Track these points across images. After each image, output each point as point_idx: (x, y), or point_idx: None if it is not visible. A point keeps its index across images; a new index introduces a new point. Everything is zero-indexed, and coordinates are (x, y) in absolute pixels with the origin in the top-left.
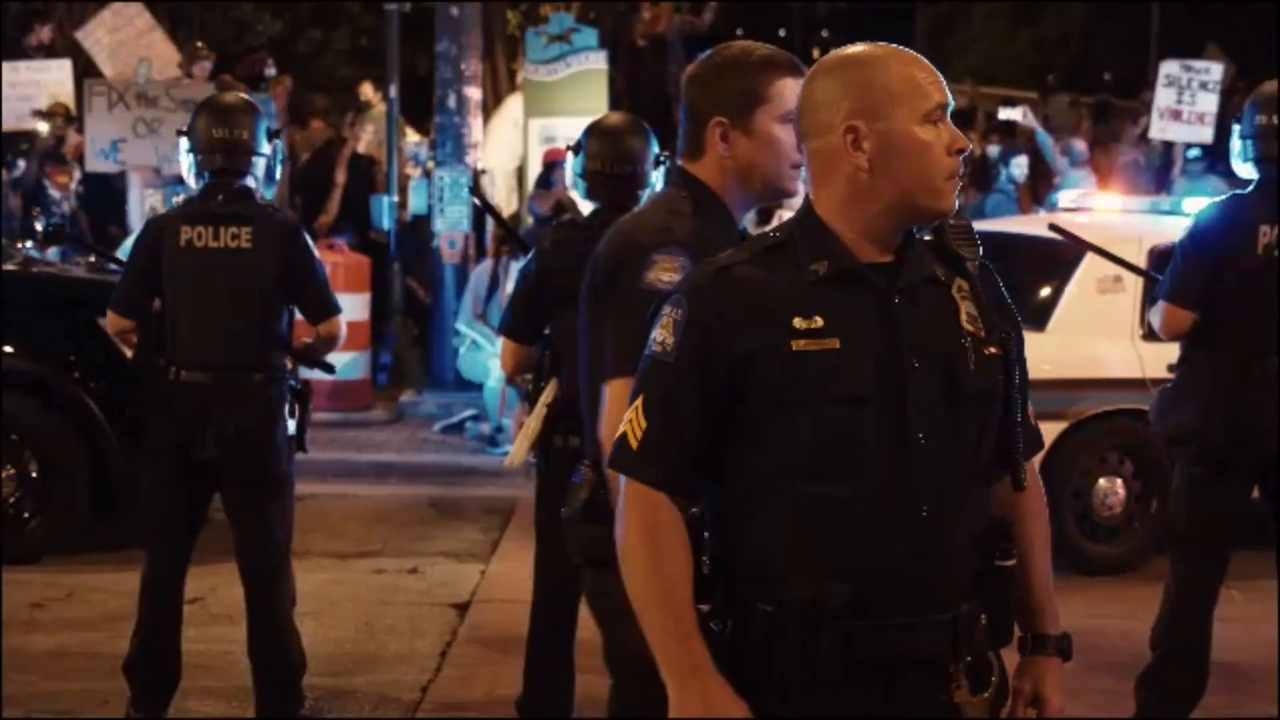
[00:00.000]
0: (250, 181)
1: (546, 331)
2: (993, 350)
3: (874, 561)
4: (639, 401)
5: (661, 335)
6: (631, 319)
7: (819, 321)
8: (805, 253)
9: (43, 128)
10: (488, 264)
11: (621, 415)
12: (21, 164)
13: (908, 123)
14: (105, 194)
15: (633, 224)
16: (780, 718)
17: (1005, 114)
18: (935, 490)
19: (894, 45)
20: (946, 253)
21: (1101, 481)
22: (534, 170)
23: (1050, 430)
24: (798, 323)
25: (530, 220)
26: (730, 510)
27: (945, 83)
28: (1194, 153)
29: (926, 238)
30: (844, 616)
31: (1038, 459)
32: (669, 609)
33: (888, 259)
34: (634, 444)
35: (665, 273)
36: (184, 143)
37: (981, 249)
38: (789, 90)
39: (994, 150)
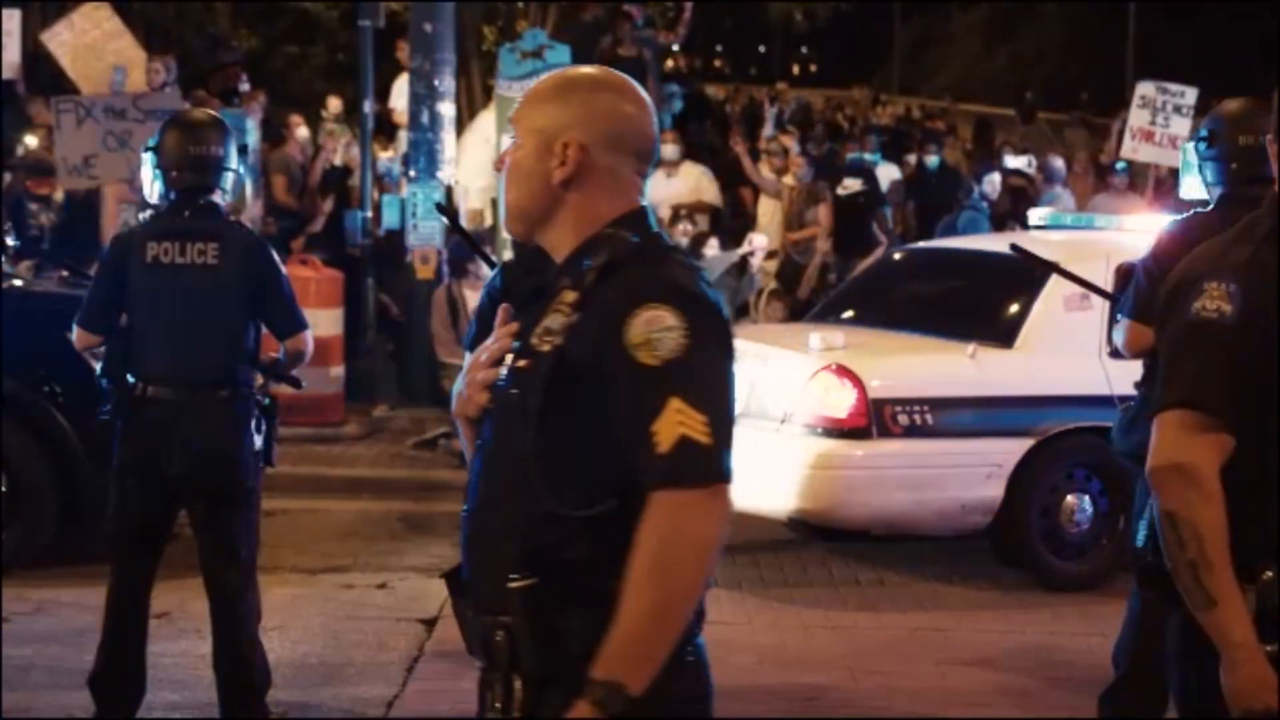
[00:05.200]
0: (218, 198)
1: None
2: (522, 364)
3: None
4: None
5: None
6: (1179, 349)
7: (513, 327)
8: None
9: (30, 140)
10: (441, 292)
11: (1170, 449)
12: (8, 177)
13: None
14: (94, 208)
15: (1201, 249)
16: None
17: (1012, 163)
18: (480, 493)
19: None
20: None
21: (1069, 498)
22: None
23: (1017, 447)
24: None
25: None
26: None
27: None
28: (1121, 166)
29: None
30: (456, 600)
31: (676, 492)
32: None
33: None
34: None
35: (1212, 300)
36: (148, 158)
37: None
38: None
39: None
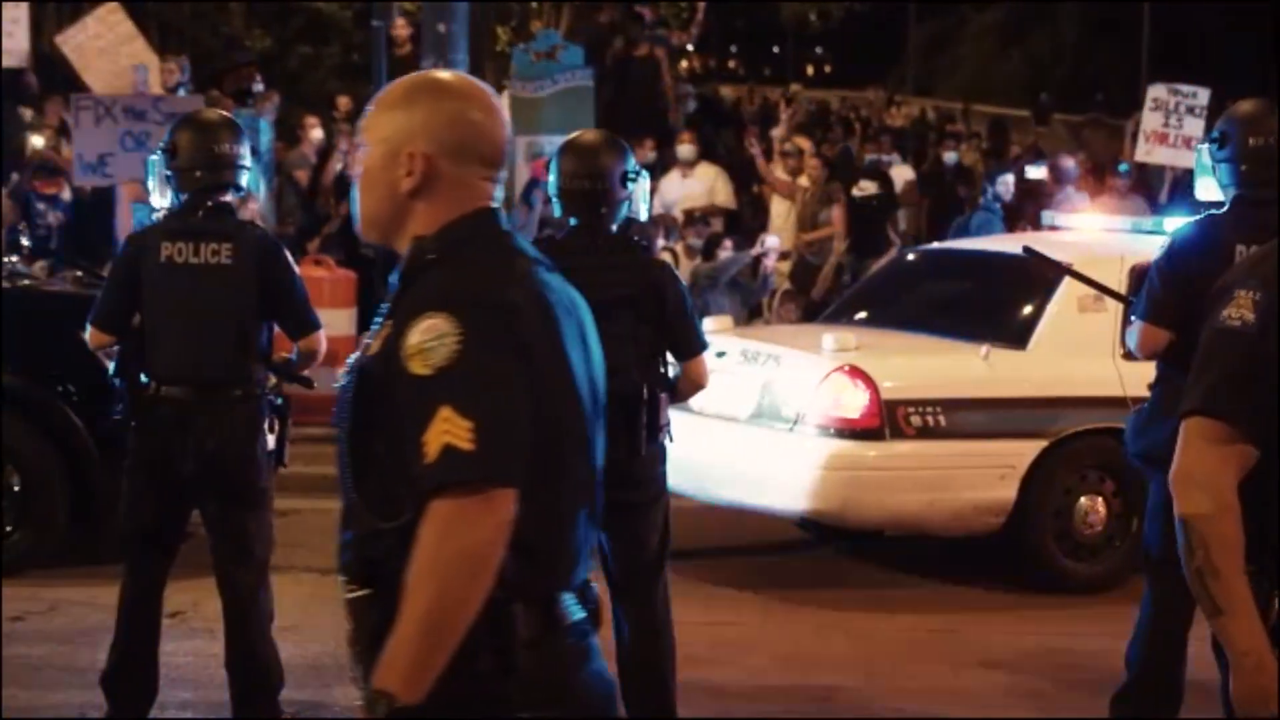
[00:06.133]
0: (230, 197)
1: None
2: (344, 381)
3: None
4: None
5: None
6: (1205, 356)
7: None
8: None
9: (37, 141)
10: None
11: (1188, 457)
12: (15, 176)
13: None
14: (106, 207)
15: (1247, 257)
16: None
17: (1032, 173)
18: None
19: None
20: None
21: (1082, 500)
22: (521, 186)
23: (1030, 448)
24: None
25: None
26: None
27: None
28: (1124, 167)
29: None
30: None
31: (444, 505)
32: None
33: None
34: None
35: (1238, 309)
36: (159, 160)
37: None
38: None
39: (950, 155)
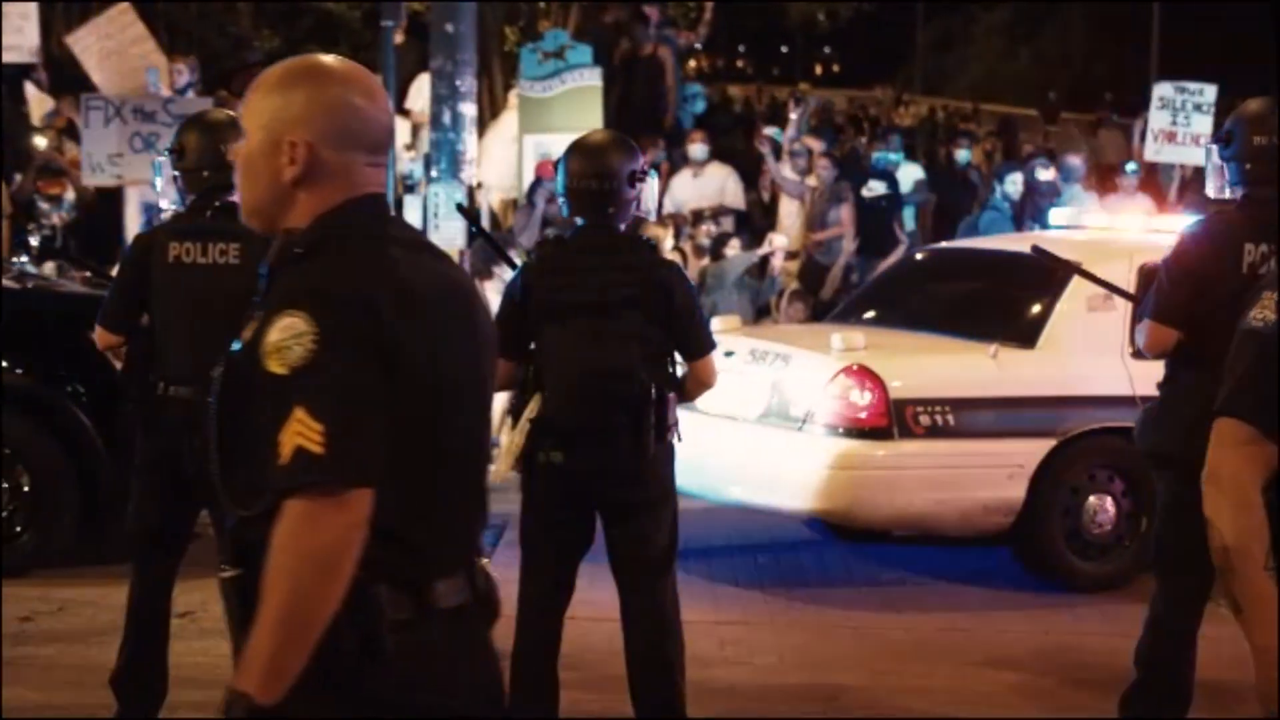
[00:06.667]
0: (236, 197)
1: (532, 347)
2: (217, 372)
3: None
4: None
5: None
6: (1232, 357)
7: None
8: None
9: (40, 141)
10: None
11: (1213, 456)
12: (19, 177)
13: None
14: (115, 207)
15: None
16: None
17: (1043, 175)
18: None
19: None
20: None
21: (1091, 499)
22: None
23: (1039, 448)
24: None
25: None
26: None
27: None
28: (1131, 167)
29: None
30: None
31: (295, 502)
32: None
33: None
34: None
35: (1262, 310)
36: (167, 161)
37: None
38: None
39: (962, 154)
